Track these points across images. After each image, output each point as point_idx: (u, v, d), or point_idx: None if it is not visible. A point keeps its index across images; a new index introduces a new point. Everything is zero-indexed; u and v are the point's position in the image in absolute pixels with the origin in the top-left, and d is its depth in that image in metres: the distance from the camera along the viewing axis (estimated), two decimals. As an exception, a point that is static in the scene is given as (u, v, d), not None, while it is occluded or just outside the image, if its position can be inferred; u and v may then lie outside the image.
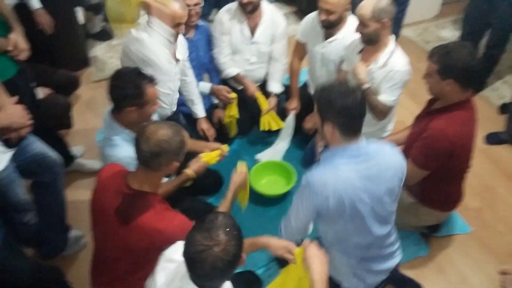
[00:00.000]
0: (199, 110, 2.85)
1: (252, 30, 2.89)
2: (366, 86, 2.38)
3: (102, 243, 1.81)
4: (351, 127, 1.69)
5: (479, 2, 3.21)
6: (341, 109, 1.65)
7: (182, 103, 2.82)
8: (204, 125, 2.86)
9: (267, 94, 2.98)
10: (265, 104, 2.92)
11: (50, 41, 3.33)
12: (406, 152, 2.11)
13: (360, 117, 1.69)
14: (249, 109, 3.04)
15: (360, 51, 2.51)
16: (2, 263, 1.87)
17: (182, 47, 2.57)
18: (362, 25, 2.33)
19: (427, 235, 2.54)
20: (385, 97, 2.40)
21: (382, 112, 2.44)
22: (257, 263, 2.39)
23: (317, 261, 1.61)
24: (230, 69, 2.95)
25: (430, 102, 2.22)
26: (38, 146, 2.22)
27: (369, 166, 1.70)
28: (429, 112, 2.19)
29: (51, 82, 3.16)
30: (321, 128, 1.74)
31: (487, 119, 3.17)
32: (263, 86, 3.07)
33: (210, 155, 2.26)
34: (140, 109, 1.94)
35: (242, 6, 2.77)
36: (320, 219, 1.81)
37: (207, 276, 1.32)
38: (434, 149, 2.06)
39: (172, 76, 2.49)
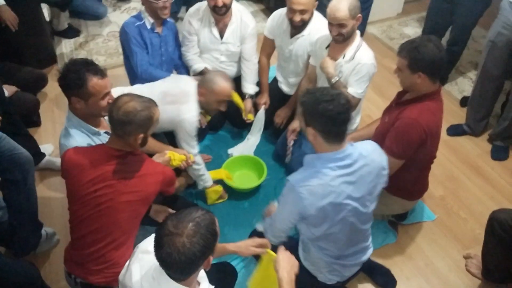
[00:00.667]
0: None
1: (221, 31, 2.90)
2: (335, 79, 2.45)
3: (90, 219, 1.80)
4: (334, 134, 1.71)
5: (440, 1, 3.32)
6: (323, 115, 1.68)
7: None
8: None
9: (241, 95, 2.99)
10: (240, 102, 2.92)
11: (15, 38, 3.26)
12: (378, 144, 2.18)
13: (343, 124, 1.71)
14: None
15: (327, 47, 2.58)
16: None
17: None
18: (340, 26, 2.36)
19: (395, 223, 2.63)
20: (353, 90, 2.47)
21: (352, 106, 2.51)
22: (233, 255, 2.42)
23: (287, 266, 1.66)
24: (197, 65, 2.94)
25: (399, 95, 2.28)
26: (7, 143, 2.18)
27: (352, 171, 1.74)
28: (399, 103, 2.25)
29: (18, 80, 3.10)
30: (304, 131, 1.78)
31: (449, 112, 3.30)
32: (236, 83, 3.09)
33: (175, 154, 2.28)
34: (85, 102, 1.90)
35: (215, 9, 2.75)
36: (303, 221, 1.85)
37: (170, 264, 1.30)
38: (408, 138, 2.11)
39: None
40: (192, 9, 2.93)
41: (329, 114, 1.67)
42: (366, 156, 1.79)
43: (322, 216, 1.76)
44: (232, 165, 2.87)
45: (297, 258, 1.99)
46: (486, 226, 2.22)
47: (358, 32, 2.50)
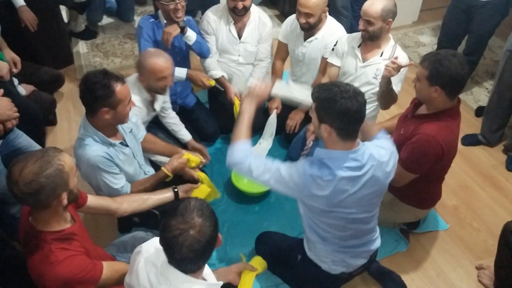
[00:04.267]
0: (185, 135, 2.82)
1: (239, 31, 2.94)
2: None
3: None
4: (349, 131, 1.69)
5: (457, 9, 3.30)
6: (341, 112, 1.64)
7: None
8: (192, 146, 2.82)
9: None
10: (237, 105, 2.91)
11: (34, 38, 3.31)
12: None
13: (360, 122, 1.70)
14: (230, 111, 3.04)
15: (359, 45, 2.63)
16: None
17: (160, 97, 2.56)
18: (368, 23, 2.45)
19: (406, 232, 2.61)
20: (395, 88, 2.50)
21: (394, 101, 2.57)
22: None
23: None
24: (215, 71, 2.98)
25: (415, 105, 2.26)
26: (24, 140, 2.21)
27: (363, 174, 1.73)
28: (416, 116, 2.22)
29: (35, 79, 3.15)
30: (317, 128, 1.75)
31: (463, 121, 3.17)
32: None
33: (191, 156, 2.30)
34: (113, 110, 1.91)
35: (234, 11, 2.79)
36: (305, 208, 1.85)
37: (187, 259, 1.34)
38: (424, 154, 2.08)
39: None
40: (210, 9, 2.97)
41: (347, 111, 1.63)
42: (376, 160, 1.76)
43: (325, 210, 1.76)
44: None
45: (303, 249, 2.06)
46: (500, 237, 2.19)
47: (390, 36, 2.59)
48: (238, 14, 2.82)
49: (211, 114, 3.15)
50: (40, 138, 2.73)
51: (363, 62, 2.63)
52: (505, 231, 2.15)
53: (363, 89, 2.48)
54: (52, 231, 1.56)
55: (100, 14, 4.34)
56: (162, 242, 1.36)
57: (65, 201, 1.52)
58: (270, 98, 3.10)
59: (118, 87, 1.89)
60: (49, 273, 1.51)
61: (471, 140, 3.26)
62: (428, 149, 2.07)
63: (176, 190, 2.17)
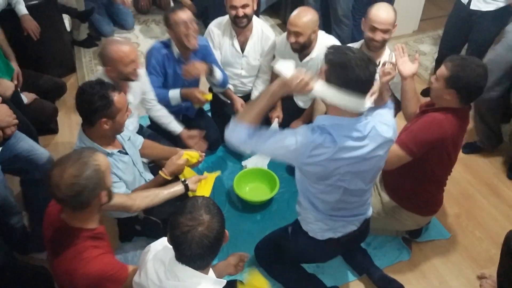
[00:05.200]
0: (175, 127, 2.75)
1: (242, 44, 2.94)
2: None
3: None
4: (357, 95, 1.63)
5: (457, 18, 3.32)
6: (352, 79, 1.58)
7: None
8: (187, 135, 2.76)
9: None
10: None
11: (36, 47, 3.33)
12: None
13: (368, 89, 1.64)
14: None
15: None
16: None
17: (137, 88, 2.52)
18: (384, 32, 2.46)
19: (409, 241, 2.60)
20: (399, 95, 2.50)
21: (398, 107, 2.49)
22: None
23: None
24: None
25: (425, 107, 2.25)
26: (25, 143, 2.21)
27: (363, 145, 1.69)
28: (423, 111, 2.22)
29: (37, 87, 3.16)
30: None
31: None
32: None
33: (190, 154, 2.27)
34: (112, 120, 1.91)
35: (236, 21, 2.77)
36: (300, 174, 1.83)
37: (196, 256, 1.38)
38: (426, 134, 2.07)
39: None
40: (213, 22, 2.97)
41: (358, 79, 1.58)
42: (378, 135, 1.71)
43: (321, 176, 1.74)
44: (245, 177, 2.87)
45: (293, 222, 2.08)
46: (502, 246, 2.18)
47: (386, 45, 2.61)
48: (239, 25, 2.79)
49: (213, 122, 3.15)
50: None
51: None
52: (507, 239, 2.14)
53: None
54: (87, 229, 1.59)
55: (107, 24, 4.37)
56: (171, 240, 1.40)
57: (105, 199, 1.57)
58: (271, 108, 3.10)
59: (116, 96, 1.89)
60: (82, 269, 1.53)
61: (471, 148, 3.25)
62: (429, 129, 2.07)
63: (185, 182, 2.15)
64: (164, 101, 2.74)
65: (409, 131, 2.14)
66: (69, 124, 3.36)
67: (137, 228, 2.35)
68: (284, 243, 2.18)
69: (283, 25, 4.64)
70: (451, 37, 3.43)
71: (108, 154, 2.02)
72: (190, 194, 2.17)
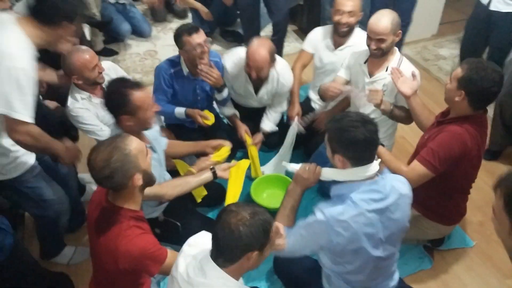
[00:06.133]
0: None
1: (256, 88, 2.87)
2: (390, 109, 2.43)
3: (92, 256, 1.82)
4: (362, 159, 1.68)
5: (477, 20, 3.27)
6: (350, 142, 1.65)
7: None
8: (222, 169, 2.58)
9: (256, 127, 2.98)
10: (249, 139, 2.91)
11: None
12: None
13: (372, 149, 1.69)
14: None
15: (365, 61, 2.58)
16: (12, 270, 1.88)
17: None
18: (379, 41, 2.38)
19: (431, 249, 2.55)
20: (405, 102, 2.43)
21: (409, 117, 2.47)
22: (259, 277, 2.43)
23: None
24: (226, 109, 2.95)
25: (443, 114, 2.22)
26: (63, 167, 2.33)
27: (387, 206, 1.69)
28: (440, 122, 2.18)
29: (58, 96, 3.20)
30: (332, 159, 1.74)
31: None
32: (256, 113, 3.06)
33: (218, 154, 2.32)
34: (134, 116, 1.95)
35: (250, 76, 2.72)
36: (326, 252, 1.80)
37: (228, 247, 1.41)
38: (447, 150, 2.04)
39: None
40: (229, 61, 2.83)
41: (356, 140, 1.63)
42: (397, 192, 1.72)
43: (351, 248, 1.70)
44: (262, 184, 2.85)
45: (321, 283, 1.98)
46: None
47: (396, 48, 2.52)
48: (254, 82, 2.76)
49: (228, 130, 3.10)
50: None
51: (370, 77, 2.57)
52: None
53: (372, 107, 2.46)
54: (130, 209, 1.66)
55: (123, 23, 4.42)
56: (212, 236, 1.44)
57: (139, 182, 1.61)
58: (289, 105, 3.08)
59: (134, 94, 1.92)
60: (125, 246, 1.59)
61: (491, 154, 3.18)
62: (453, 144, 2.04)
63: (213, 170, 2.19)
64: (169, 116, 2.80)
65: (429, 148, 2.09)
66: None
67: (157, 231, 2.36)
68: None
69: (300, 31, 4.63)
70: (472, 39, 3.38)
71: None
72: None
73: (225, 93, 2.79)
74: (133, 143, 1.61)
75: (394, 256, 1.88)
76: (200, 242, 1.58)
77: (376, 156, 1.73)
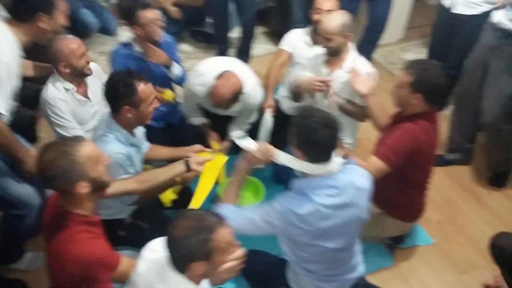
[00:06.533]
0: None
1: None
2: (340, 102, 2.50)
3: (47, 263, 1.76)
4: (318, 158, 1.74)
5: (441, 23, 3.35)
6: (308, 141, 1.71)
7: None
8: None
9: (223, 133, 2.92)
10: (216, 145, 2.81)
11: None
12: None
13: (329, 151, 1.74)
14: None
15: (325, 61, 2.64)
16: None
17: (94, 85, 2.51)
18: (326, 40, 2.46)
19: (392, 247, 2.61)
20: (359, 99, 2.49)
21: (363, 115, 2.55)
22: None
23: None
24: (194, 119, 2.92)
25: (396, 117, 2.29)
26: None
27: (343, 201, 1.76)
28: (395, 122, 2.26)
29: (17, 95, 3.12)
30: (292, 149, 1.79)
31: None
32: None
33: (204, 154, 2.24)
34: (135, 109, 1.97)
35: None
36: (283, 238, 1.86)
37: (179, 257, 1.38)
38: (402, 144, 2.12)
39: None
40: (198, 81, 2.68)
41: (315, 142, 1.70)
42: (353, 186, 1.78)
43: (308, 239, 1.76)
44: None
45: (285, 278, 2.01)
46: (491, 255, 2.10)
47: (351, 46, 2.59)
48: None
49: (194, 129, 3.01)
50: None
51: (328, 75, 2.61)
52: (493, 247, 2.08)
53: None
54: (81, 214, 1.61)
55: (92, 17, 4.34)
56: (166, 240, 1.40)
57: (84, 189, 1.55)
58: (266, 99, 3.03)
59: (140, 86, 1.95)
60: (73, 251, 1.55)
61: (442, 162, 3.15)
62: (407, 139, 2.12)
63: (187, 162, 2.10)
64: None
65: (385, 143, 2.17)
66: (49, 132, 3.29)
67: (121, 234, 2.31)
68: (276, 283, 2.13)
69: (270, 33, 4.66)
70: (438, 43, 3.46)
71: (132, 145, 2.08)
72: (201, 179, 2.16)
73: (176, 69, 2.75)
74: (83, 150, 1.56)
75: (351, 248, 1.93)
76: (161, 247, 1.53)
77: (335, 154, 1.78)
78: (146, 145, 2.39)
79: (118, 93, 1.94)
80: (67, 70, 2.31)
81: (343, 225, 1.78)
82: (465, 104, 3.03)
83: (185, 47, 4.43)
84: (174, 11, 4.14)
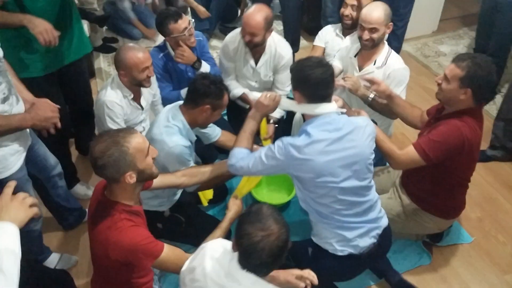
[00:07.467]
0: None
1: (256, 60, 2.89)
2: (371, 96, 2.45)
3: (90, 251, 1.84)
4: (316, 96, 1.86)
5: (486, 12, 3.29)
6: (305, 80, 1.85)
7: None
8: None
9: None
10: (264, 131, 2.85)
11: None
12: None
13: (325, 88, 1.86)
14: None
15: (356, 55, 2.61)
16: None
17: (147, 93, 2.60)
18: (372, 30, 2.43)
19: (429, 245, 2.55)
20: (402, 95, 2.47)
21: (390, 112, 2.49)
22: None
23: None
24: (236, 90, 2.95)
25: (439, 111, 2.22)
26: (42, 147, 2.21)
27: (341, 135, 1.84)
28: (438, 118, 2.18)
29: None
30: (293, 93, 1.94)
31: (487, 131, 3.19)
32: None
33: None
34: (213, 111, 2.11)
35: (246, 44, 2.76)
36: (299, 185, 1.94)
37: (264, 264, 1.43)
38: (444, 141, 2.04)
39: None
40: (229, 36, 2.91)
41: (311, 79, 1.83)
42: (353, 124, 1.89)
43: (313, 177, 1.84)
44: (263, 180, 2.85)
45: (311, 241, 2.08)
46: None
47: (385, 42, 2.56)
48: (249, 47, 2.78)
49: (229, 126, 3.06)
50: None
51: (359, 71, 2.60)
52: None
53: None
54: (124, 204, 1.67)
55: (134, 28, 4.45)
56: (239, 248, 1.44)
57: (132, 179, 1.60)
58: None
59: (225, 96, 2.13)
60: (115, 236, 1.61)
61: (482, 157, 3.06)
62: (451, 138, 2.04)
63: None
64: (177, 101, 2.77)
65: (427, 137, 2.10)
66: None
67: (159, 226, 2.36)
68: (304, 264, 2.10)
69: (303, 29, 4.60)
70: (483, 28, 3.41)
71: (191, 142, 2.19)
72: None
73: (204, 68, 2.80)
74: (134, 141, 1.59)
75: (364, 193, 1.93)
76: (223, 248, 1.59)
77: (332, 98, 1.91)
78: (218, 132, 2.49)
79: (209, 90, 2.06)
80: (126, 79, 2.37)
81: (345, 161, 1.84)
82: None
83: (215, 43, 4.44)
84: (202, 11, 4.17)
